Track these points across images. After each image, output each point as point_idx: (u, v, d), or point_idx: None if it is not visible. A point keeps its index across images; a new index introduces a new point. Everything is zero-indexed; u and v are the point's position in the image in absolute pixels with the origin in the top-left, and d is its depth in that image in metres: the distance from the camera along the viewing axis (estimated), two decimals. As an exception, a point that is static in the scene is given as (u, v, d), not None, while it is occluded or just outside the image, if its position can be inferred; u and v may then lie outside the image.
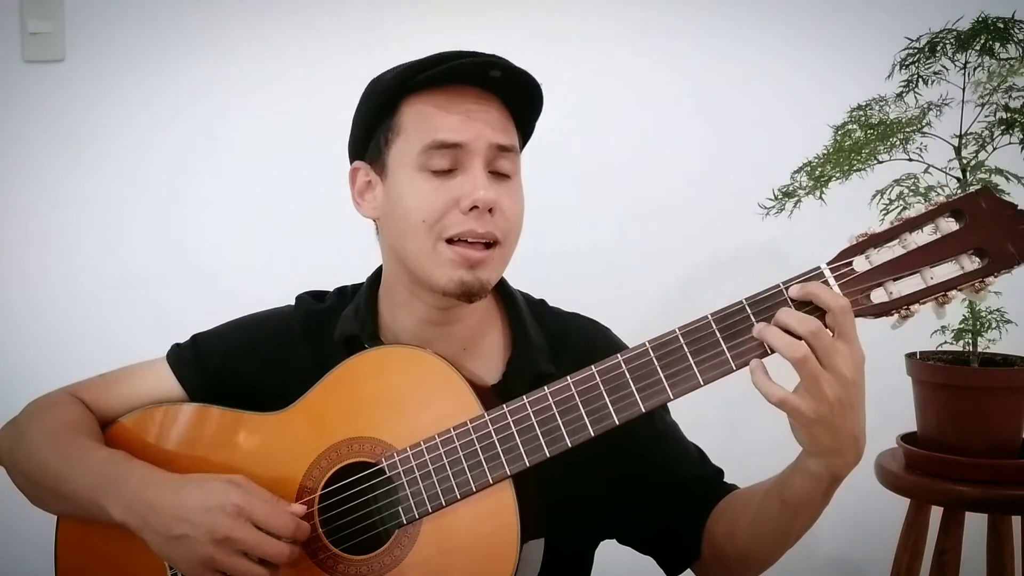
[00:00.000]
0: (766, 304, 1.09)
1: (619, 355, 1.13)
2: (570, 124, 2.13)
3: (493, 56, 1.22)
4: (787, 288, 1.09)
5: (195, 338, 1.39)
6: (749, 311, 1.09)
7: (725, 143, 2.17)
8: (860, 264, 1.08)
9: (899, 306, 1.07)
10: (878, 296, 1.08)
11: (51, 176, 2.23)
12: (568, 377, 1.14)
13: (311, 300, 1.39)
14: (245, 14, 2.20)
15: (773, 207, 1.76)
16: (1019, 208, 1.07)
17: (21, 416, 1.36)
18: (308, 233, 2.17)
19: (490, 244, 1.22)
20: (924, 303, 1.07)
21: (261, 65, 2.19)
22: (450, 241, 1.21)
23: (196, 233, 2.24)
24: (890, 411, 1.87)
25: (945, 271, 1.07)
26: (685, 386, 1.11)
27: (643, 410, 1.12)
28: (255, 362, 1.34)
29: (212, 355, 1.36)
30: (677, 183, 2.18)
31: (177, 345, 1.39)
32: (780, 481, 1.17)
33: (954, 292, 1.07)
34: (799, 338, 1.05)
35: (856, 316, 1.07)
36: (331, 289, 1.41)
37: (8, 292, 2.24)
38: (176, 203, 2.23)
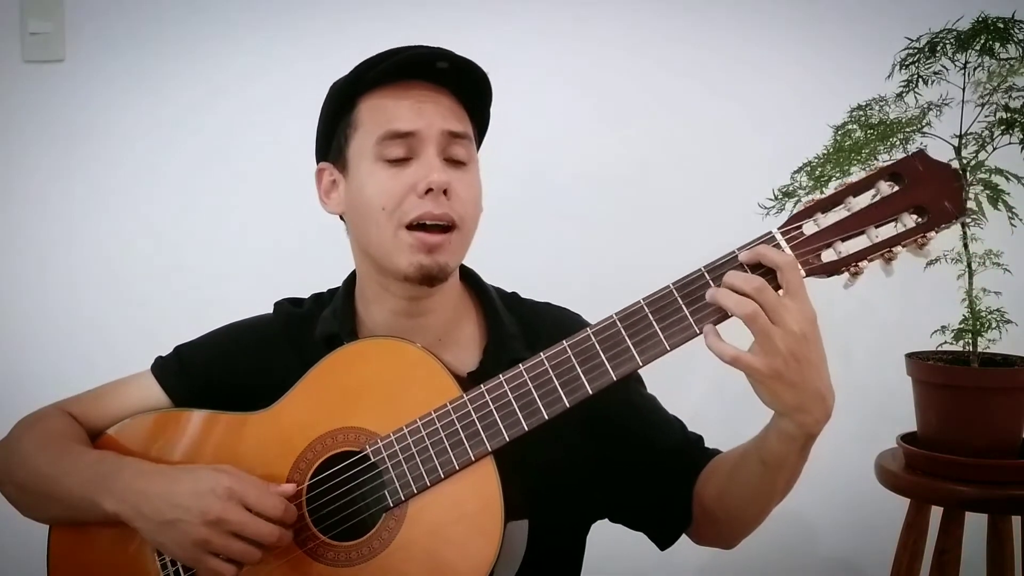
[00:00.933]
0: (724, 270, 1.14)
1: (588, 328, 1.17)
2: (569, 124, 2.13)
3: (439, 48, 1.28)
4: (710, 277, 1.14)
5: (178, 349, 1.41)
6: (708, 276, 1.15)
7: (725, 143, 2.17)
8: (809, 228, 1.14)
9: (848, 263, 1.13)
10: (828, 256, 1.14)
11: (50, 176, 2.23)
12: (541, 353, 1.18)
13: (289, 305, 1.42)
14: (246, 14, 2.21)
15: (773, 207, 1.76)
16: (953, 168, 1.14)
17: (11, 432, 1.38)
18: (308, 234, 2.16)
19: (447, 228, 1.27)
20: (872, 260, 1.13)
21: (262, 65, 2.20)
22: (410, 227, 1.26)
23: (196, 233, 2.24)
24: (890, 411, 1.88)
25: (889, 230, 1.13)
26: (652, 352, 1.15)
27: (614, 378, 1.16)
28: (239, 368, 1.37)
29: (196, 364, 1.38)
30: (677, 183, 2.18)
31: (161, 357, 1.41)
32: (757, 443, 1.21)
33: (899, 249, 1.13)
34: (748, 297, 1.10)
35: (808, 275, 1.13)
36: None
37: (6, 291, 2.24)
38: (176, 203, 2.23)
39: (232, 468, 1.22)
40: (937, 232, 1.13)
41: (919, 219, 1.13)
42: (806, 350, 1.09)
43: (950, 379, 1.71)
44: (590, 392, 1.16)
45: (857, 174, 1.16)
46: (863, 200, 1.13)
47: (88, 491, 1.24)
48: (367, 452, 1.22)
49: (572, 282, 2.00)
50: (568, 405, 1.17)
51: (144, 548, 1.27)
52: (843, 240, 1.13)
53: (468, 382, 1.25)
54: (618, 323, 1.16)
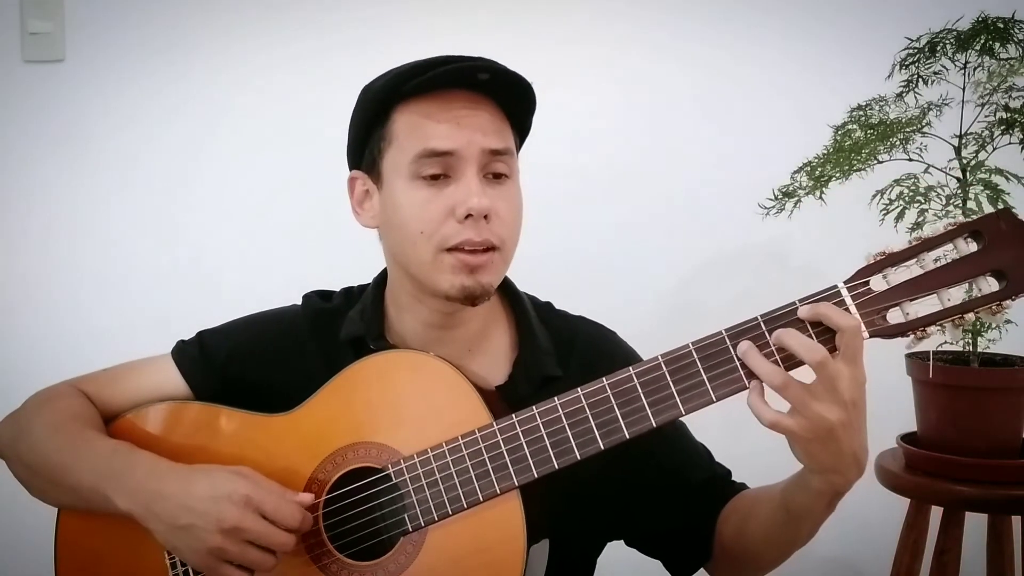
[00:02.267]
0: (781, 321, 1.08)
1: (631, 368, 1.12)
2: (571, 125, 2.13)
3: (480, 59, 1.22)
4: (766, 328, 1.07)
5: (201, 335, 1.38)
6: (764, 328, 1.08)
7: (725, 143, 2.17)
8: (877, 283, 1.07)
9: (915, 327, 1.07)
10: (895, 317, 1.07)
11: (51, 176, 2.23)
12: (579, 389, 1.13)
13: (318, 299, 1.39)
14: (245, 14, 2.20)
15: (773, 207, 1.76)
16: None
17: (23, 408, 1.35)
18: (309, 233, 2.17)
19: (489, 248, 1.22)
20: (941, 325, 1.07)
21: (261, 64, 2.19)
22: (449, 249, 1.21)
23: (196, 233, 2.24)
24: (890, 411, 1.87)
25: (962, 293, 1.06)
26: (697, 402, 1.10)
27: (654, 425, 1.11)
28: (262, 360, 1.34)
29: (218, 352, 1.35)
30: (677, 183, 2.18)
31: (183, 341, 1.38)
32: (784, 492, 1.17)
33: (971, 316, 1.06)
34: (800, 363, 1.05)
35: (872, 336, 1.07)
36: (337, 289, 1.41)
37: (8, 291, 2.24)
38: (176, 203, 2.23)
39: (251, 472, 1.18)
40: (1014, 300, 1.05)
41: (997, 283, 1.05)
42: (852, 416, 1.05)
43: (950, 379, 1.71)
44: (627, 437, 1.11)
45: (934, 228, 1.08)
46: (937, 257, 1.06)
47: (100, 485, 1.21)
48: (389, 472, 1.18)
49: (572, 283, 2.00)
50: (603, 447, 1.12)
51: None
52: (912, 300, 1.06)
53: (495, 397, 1.22)
54: (663, 366, 1.11)
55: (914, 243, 1.08)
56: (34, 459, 1.29)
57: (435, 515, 1.16)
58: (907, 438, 1.79)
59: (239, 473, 1.18)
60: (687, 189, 2.18)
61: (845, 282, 1.08)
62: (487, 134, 1.22)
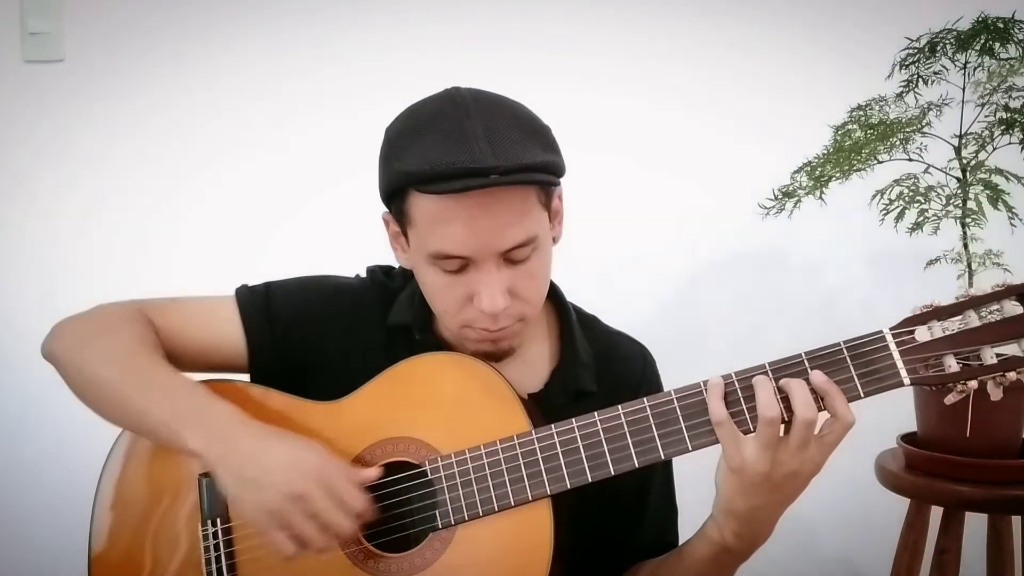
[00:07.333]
0: (832, 357, 1.12)
1: (672, 391, 1.15)
2: (570, 124, 2.13)
3: (491, 160, 1.11)
4: (809, 365, 1.12)
5: (269, 286, 1.35)
6: (807, 363, 1.12)
7: (725, 143, 2.17)
8: (922, 334, 1.11)
9: (957, 379, 1.10)
10: (936, 368, 1.11)
11: (51, 176, 2.23)
12: (619, 407, 1.16)
13: (383, 275, 1.37)
14: (246, 14, 2.20)
15: (773, 207, 1.76)
16: None
17: (91, 317, 1.32)
18: (310, 232, 2.17)
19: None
20: (983, 381, 1.10)
21: (262, 64, 2.20)
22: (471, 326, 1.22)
23: (196, 232, 2.24)
24: (890, 411, 1.87)
25: (1006, 352, 1.10)
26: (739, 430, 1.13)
27: (690, 449, 1.14)
28: (328, 327, 1.32)
29: (284, 309, 1.32)
30: (676, 183, 2.18)
31: (248, 288, 1.35)
32: (689, 541, 1.23)
33: (1012, 375, 1.09)
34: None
35: (913, 384, 1.11)
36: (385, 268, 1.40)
37: (9, 291, 2.24)
38: (176, 203, 2.23)
39: (324, 449, 1.18)
40: None
41: None
42: (794, 484, 1.12)
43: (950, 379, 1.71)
44: (663, 457, 1.14)
45: (982, 289, 1.12)
46: (983, 316, 1.10)
47: (173, 420, 1.18)
48: (426, 468, 1.20)
49: (571, 283, 2.00)
50: (637, 465, 1.15)
51: (191, 522, 1.24)
52: (956, 354, 1.10)
53: (529, 404, 1.23)
54: (705, 392, 1.13)
55: (962, 299, 1.11)
56: (99, 373, 1.25)
57: (466, 515, 1.18)
58: (907, 438, 1.79)
59: (314, 448, 1.18)
60: (687, 189, 2.18)
61: (891, 328, 1.12)
62: (503, 234, 1.15)
